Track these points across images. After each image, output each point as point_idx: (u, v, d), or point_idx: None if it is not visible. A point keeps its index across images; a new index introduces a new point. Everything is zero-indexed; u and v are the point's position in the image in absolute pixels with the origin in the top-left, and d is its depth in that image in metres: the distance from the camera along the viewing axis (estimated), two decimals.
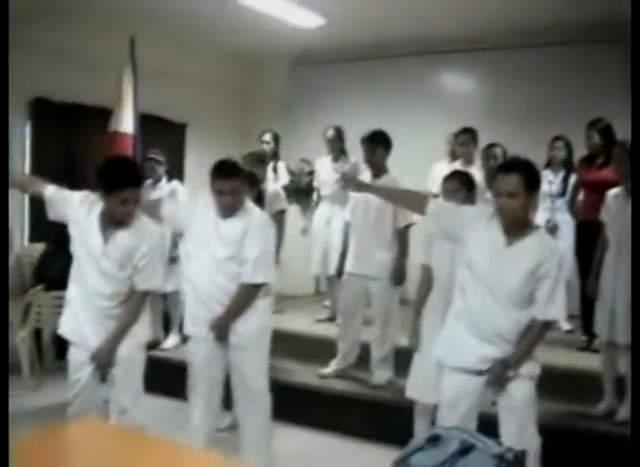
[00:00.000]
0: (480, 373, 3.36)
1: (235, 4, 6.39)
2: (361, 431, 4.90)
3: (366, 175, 5.21)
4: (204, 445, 4.03)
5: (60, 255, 4.12)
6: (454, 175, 4.18)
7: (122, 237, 3.60)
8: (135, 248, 3.61)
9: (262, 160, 5.77)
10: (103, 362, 3.64)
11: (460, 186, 4.05)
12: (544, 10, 6.43)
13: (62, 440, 2.72)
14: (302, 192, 7.94)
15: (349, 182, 4.21)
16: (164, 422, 4.08)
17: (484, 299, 3.29)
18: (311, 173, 7.49)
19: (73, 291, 3.72)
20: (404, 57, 7.96)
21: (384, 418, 4.82)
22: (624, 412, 4.39)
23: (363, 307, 5.36)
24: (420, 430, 4.20)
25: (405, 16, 6.84)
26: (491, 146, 5.80)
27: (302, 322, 6.47)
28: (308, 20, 7.02)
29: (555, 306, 3.27)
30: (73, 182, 6.73)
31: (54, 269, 5.80)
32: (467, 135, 6.04)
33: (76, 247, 3.67)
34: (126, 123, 6.20)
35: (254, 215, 3.99)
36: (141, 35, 6.28)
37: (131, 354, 3.70)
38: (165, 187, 6.38)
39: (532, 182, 3.27)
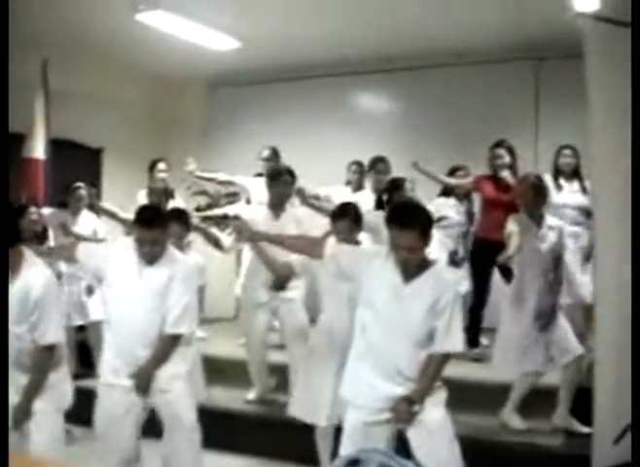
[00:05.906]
0: (386, 411, 3.30)
1: (151, 27, 6.37)
2: (285, 453, 4.88)
3: (262, 212, 5.15)
4: None
5: None
6: (345, 215, 4.17)
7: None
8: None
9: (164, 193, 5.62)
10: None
11: (353, 225, 4.15)
12: (458, 30, 6.61)
13: None
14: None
15: (243, 233, 4.14)
16: None
17: (386, 337, 3.28)
18: (229, 196, 7.39)
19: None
20: (320, 78, 8.05)
21: (308, 439, 4.80)
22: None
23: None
24: (322, 450, 4.31)
25: (320, 37, 6.94)
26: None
27: (224, 347, 6.39)
28: (223, 43, 7.04)
29: (453, 338, 3.28)
30: None
31: None
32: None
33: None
34: (37, 148, 6.06)
35: (178, 262, 3.94)
36: (55, 58, 6.17)
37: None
38: (88, 220, 6.09)
39: (429, 230, 3.27)
